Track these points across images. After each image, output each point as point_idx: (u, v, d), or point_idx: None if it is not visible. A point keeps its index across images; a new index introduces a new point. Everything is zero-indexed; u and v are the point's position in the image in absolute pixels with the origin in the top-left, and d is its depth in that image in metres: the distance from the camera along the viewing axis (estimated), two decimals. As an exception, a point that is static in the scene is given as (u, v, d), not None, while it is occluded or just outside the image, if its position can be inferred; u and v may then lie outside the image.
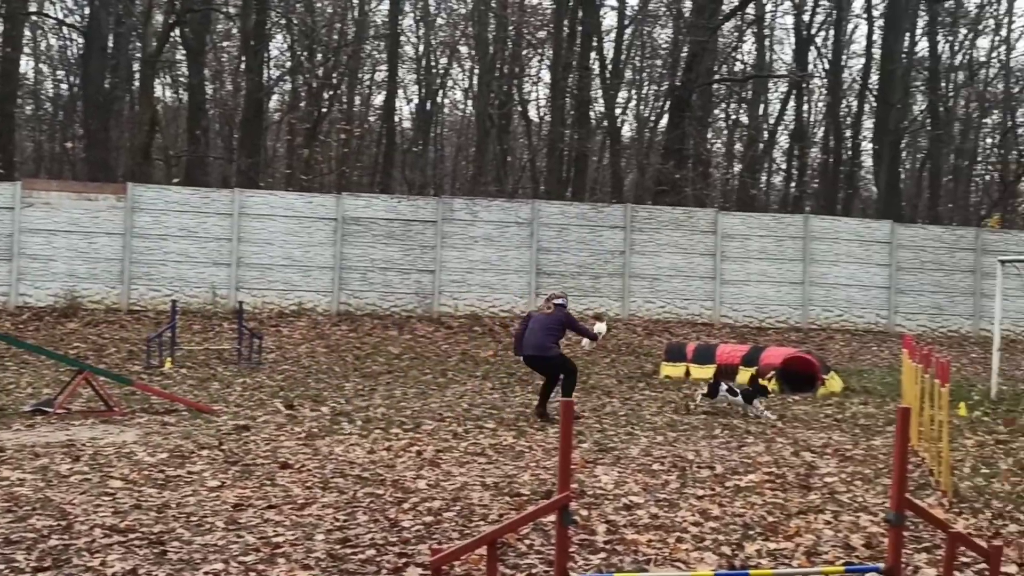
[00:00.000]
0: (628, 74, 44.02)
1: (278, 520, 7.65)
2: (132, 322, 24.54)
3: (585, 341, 16.00)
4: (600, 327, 16.49)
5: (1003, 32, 46.34)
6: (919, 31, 42.76)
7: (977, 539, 6.95)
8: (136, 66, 37.23)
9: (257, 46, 36.24)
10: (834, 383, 17.69)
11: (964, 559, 6.81)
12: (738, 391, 14.74)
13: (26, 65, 39.12)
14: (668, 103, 39.33)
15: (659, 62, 43.14)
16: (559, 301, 14.69)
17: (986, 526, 7.95)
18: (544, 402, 13.87)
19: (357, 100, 44.34)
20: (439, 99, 46.28)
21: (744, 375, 18.29)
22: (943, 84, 44.26)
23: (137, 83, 37.09)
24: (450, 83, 47.25)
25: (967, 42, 45.71)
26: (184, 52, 37.78)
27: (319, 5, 39.81)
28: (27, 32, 37.80)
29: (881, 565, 5.28)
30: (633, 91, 45.79)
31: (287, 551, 6.84)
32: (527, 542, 7.11)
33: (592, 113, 40.60)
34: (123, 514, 7.74)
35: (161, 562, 6.53)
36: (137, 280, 26.25)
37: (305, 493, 8.62)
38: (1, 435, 11.10)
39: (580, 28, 37.48)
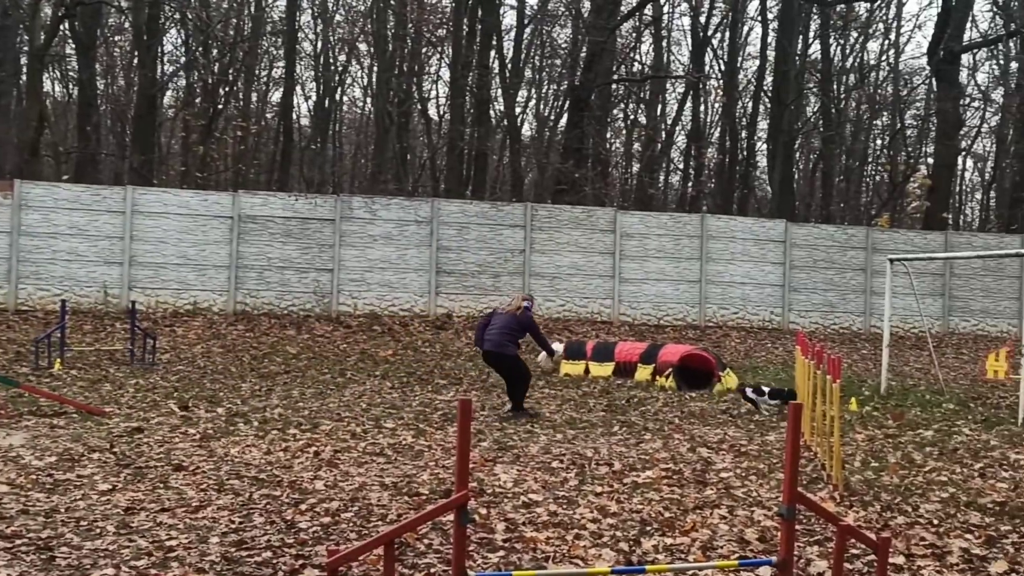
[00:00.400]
0: (528, 73, 44.20)
1: (171, 523, 7.54)
2: (20, 323, 23.92)
3: (543, 356, 16.22)
4: (558, 347, 16.28)
5: (892, 36, 47.65)
6: (812, 34, 43.69)
7: (867, 531, 7.14)
8: (24, 60, 36.23)
9: (150, 41, 35.56)
10: (730, 380, 17.96)
11: (854, 551, 6.98)
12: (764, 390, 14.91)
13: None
14: (567, 102, 39.60)
15: (558, 61, 43.42)
16: (527, 303, 14.92)
17: (875, 518, 8.16)
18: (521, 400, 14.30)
19: (254, 97, 43.87)
20: (338, 96, 46.00)
21: (643, 372, 18.51)
22: (835, 86, 45.31)
23: (25, 78, 36.10)
24: (349, 80, 47.03)
25: (858, 45, 46.95)
26: (74, 46, 36.94)
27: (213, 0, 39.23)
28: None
29: (774, 558, 5.38)
30: (533, 90, 46.01)
31: (181, 554, 6.74)
32: (426, 542, 7.11)
33: (492, 112, 40.65)
34: (9, 519, 7.56)
35: (49, 568, 6.39)
36: (25, 279, 25.60)
37: (199, 495, 8.51)
38: None
39: (479, 26, 37.50)
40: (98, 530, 7.33)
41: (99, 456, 10.13)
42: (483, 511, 8.03)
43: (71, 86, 40.97)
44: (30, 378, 16.19)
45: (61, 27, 34.96)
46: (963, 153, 46.95)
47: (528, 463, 10.30)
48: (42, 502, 8.14)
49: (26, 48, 36.01)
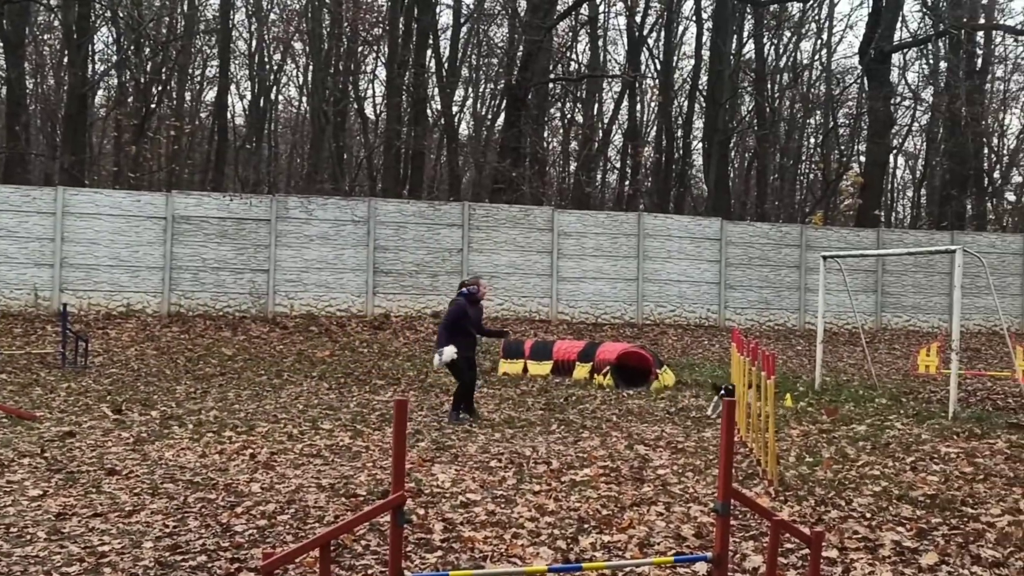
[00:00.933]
0: (465, 72, 44.23)
1: (104, 528, 7.44)
2: (-52, 326, 23.48)
3: (436, 358, 13.98)
4: (450, 351, 14.00)
5: (824, 36, 48.25)
6: (746, 34, 44.16)
7: (801, 526, 7.23)
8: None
9: (80, 39, 35.02)
10: (667, 377, 18.09)
11: (789, 545, 7.06)
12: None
13: None
14: (504, 101, 39.65)
15: (495, 60, 43.51)
16: (463, 290, 14.29)
17: (810, 513, 8.26)
18: (465, 402, 13.76)
19: (187, 96, 43.45)
20: (273, 95, 45.68)
21: (581, 371, 18.58)
22: (769, 85, 45.80)
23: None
24: (284, 79, 46.73)
25: (791, 45, 47.50)
26: (1, 45, 36.25)
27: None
28: None
29: (709, 554, 5.43)
30: (470, 89, 46.03)
31: (114, 560, 6.66)
32: (363, 543, 7.08)
33: (429, 111, 40.61)
34: (-63, 527, 7.43)
35: (-22, 576, 6.29)
36: (-47, 282, 25.16)
37: (133, 500, 8.40)
38: None
39: (416, 25, 37.42)
40: (28, 536, 7.21)
41: (29, 461, 9.96)
42: (421, 511, 8.02)
43: (-1, 85, 40.21)
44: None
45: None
46: (894, 151, 47.67)
47: (466, 463, 10.29)
48: (-30, 509, 8.02)
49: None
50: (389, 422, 13.05)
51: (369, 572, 6.44)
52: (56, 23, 37.52)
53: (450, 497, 8.65)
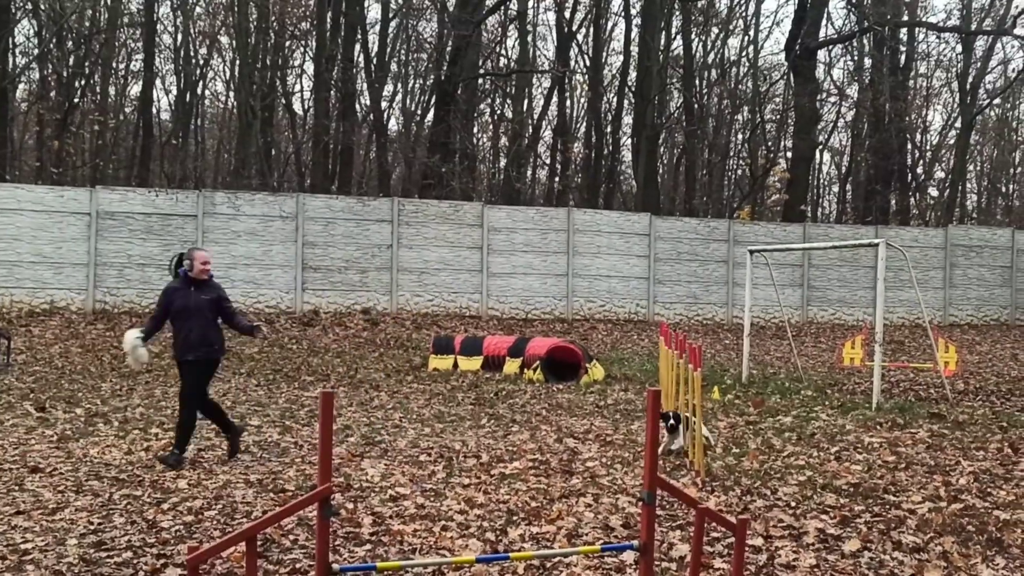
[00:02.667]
0: (393, 67, 44.09)
1: (27, 526, 7.35)
2: None
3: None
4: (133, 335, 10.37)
5: (751, 32, 48.80)
6: (674, 30, 44.49)
7: (727, 515, 7.35)
8: None
9: (0, 31, 34.39)
10: (596, 371, 18.22)
11: (715, 534, 7.18)
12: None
13: None
14: (433, 97, 39.62)
15: (424, 56, 43.43)
16: (179, 269, 10.28)
17: (736, 502, 8.39)
18: (219, 421, 10.44)
19: (112, 90, 42.72)
20: (199, 90, 45.16)
21: (511, 366, 18.64)
22: (697, 81, 46.23)
23: None
24: (211, 74, 46.25)
25: (719, 41, 47.95)
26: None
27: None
28: None
29: (636, 543, 5.50)
30: (399, 84, 45.90)
31: (37, 558, 6.59)
32: (291, 537, 7.08)
33: (358, 106, 40.46)
34: None
35: (-103, 578, 6.19)
36: None
37: (57, 497, 8.30)
38: None
39: (344, 20, 37.24)
40: (-52, 537, 7.11)
41: (-51, 461, 9.82)
42: (350, 506, 8.02)
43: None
44: None
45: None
46: (820, 147, 48.32)
47: (396, 457, 10.31)
48: None
49: None
50: (318, 418, 13.00)
51: (297, 566, 6.44)
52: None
53: (379, 491, 8.66)
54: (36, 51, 38.66)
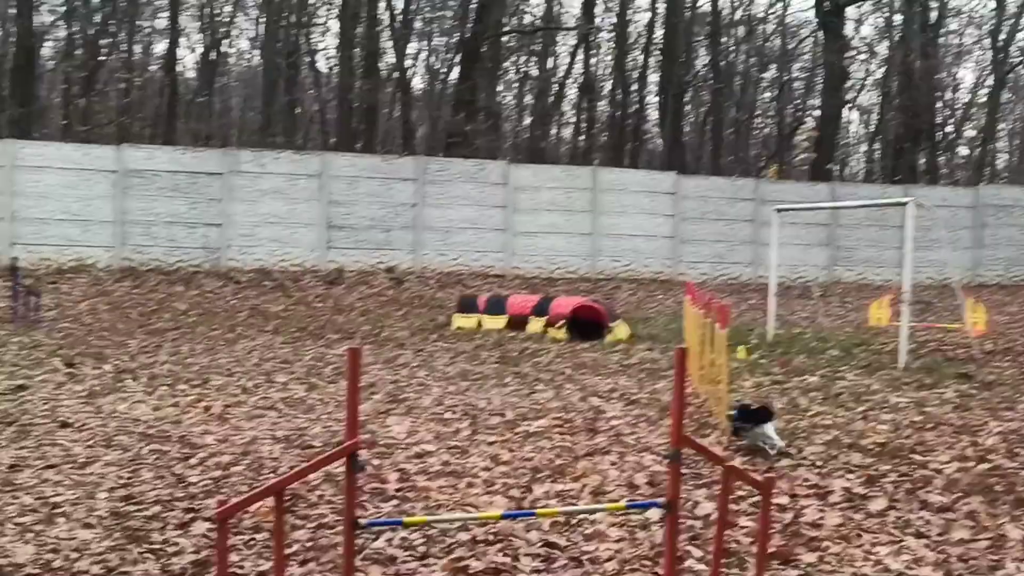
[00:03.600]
0: (418, 25, 43.86)
1: (58, 480, 7.41)
2: None
3: None
4: None
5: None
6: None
7: (752, 474, 7.33)
8: None
9: (26, -10, 34.45)
10: (621, 331, 18.18)
11: (740, 493, 7.16)
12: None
13: None
14: (458, 55, 39.42)
15: (449, 13, 43.16)
16: None
17: (761, 462, 8.37)
18: None
19: (137, 48, 42.71)
20: (224, 48, 45.10)
21: (536, 325, 18.64)
22: (724, 39, 45.82)
23: None
24: (236, 32, 46.10)
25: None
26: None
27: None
28: None
29: (661, 500, 5.50)
30: (424, 42, 45.68)
31: (67, 510, 6.64)
32: (318, 493, 7.10)
33: (382, 64, 40.30)
34: None
35: (-71, 529, 6.25)
36: (-102, 237, 24.83)
37: (87, 452, 8.36)
38: None
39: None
40: (-20, 490, 7.18)
41: (-21, 416, 9.90)
42: (376, 462, 8.05)
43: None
44: (-96, 339, 15.69)
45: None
46: (848, 105, 47.95)
47: (421, 415, 10.32)
48: (-81, 463, 7.95)
49: None
50: (344, 375, 13.03)
51: (323, 521, 6.47)
52: (1, -27, 36.80)
53: (405, 448, 8.69)
54: (63, 9, 38.69)
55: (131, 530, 6.25)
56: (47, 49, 40.17)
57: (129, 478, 7.54)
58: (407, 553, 5.87)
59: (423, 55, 46.27)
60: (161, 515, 6.59)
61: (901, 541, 6.29)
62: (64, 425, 9.47)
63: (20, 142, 26.80)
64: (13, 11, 35.84)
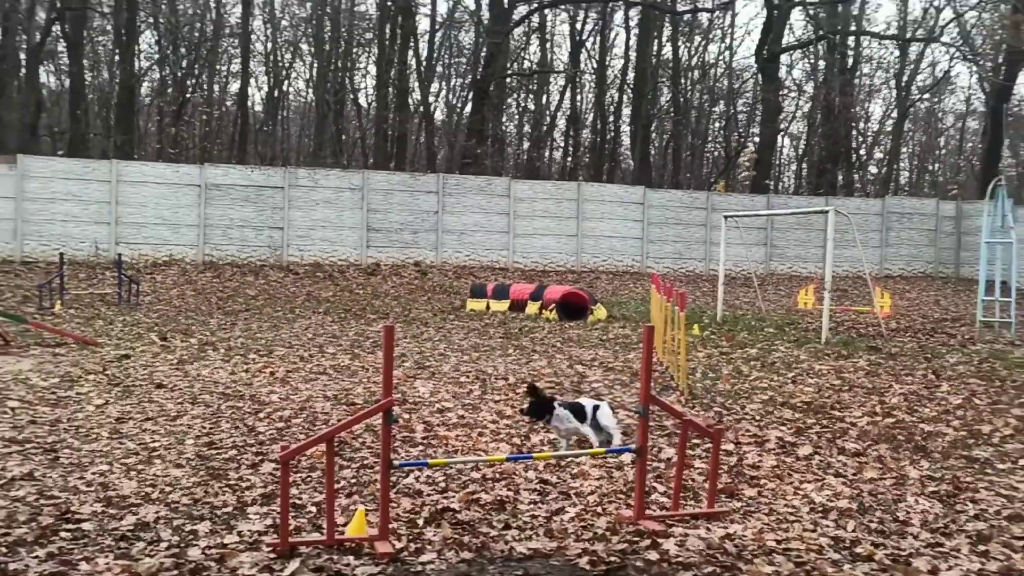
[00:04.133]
0: (439, 69, 43.73)
1: (154, 430, 7.41)
2: (26, 271, 23.14)
3: None
4: None
5: (727, 40, 48.25)
6: (665, 38, 43.91)
7: (705, 425, 7.32)
8: (23, 56, 34.73)
9: (129, 40, 34.35)
10: (600, 312, 18.18)
11: (695, 441, 7.17)
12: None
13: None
14: (471, 93, 39.30)
15: (464, 60, 43.04)
16: None
17: (712, 416, 8.37)
18: None
19: (216, 87, 42.64)
20: (285, 87, 45.00)
21: (532, 307, 18.62)
22: (683, 80, 45.66)
23: (24, 71, 34.66)
24: (294, 75, 45.99)
25: (701, 48, 47.28)
26: (65, 44, 35.51)
27: (181, 7, 37.99)
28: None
29: (633, 446, 5.50)
30: (443, 83, 45.55)
31: (162, 454, 6.65)
32: (360, 440, 7.11)
33: (410, 100, 40.19)
34: (20, 428, 7.36)
35: (54, 466, 6.25)
36: (29, 237, 24.76)
37: (177, 408, 8.36)
38: (-94, 370, 10.35)
39: (400, 31, 36.97)
40: (94, 436, 7.17)
41: (94, 377, 9.88)
42: (405, 416, 8.05)
43: (63, 78, 39.33)
44: (35, 316, 15.69)
45: (53, 28, 33.54)
46: (782, 133, 47.75)
47: (441, 379, 10.32)
48: (47, 414, 7.93)
49: (24, 45, 34.57)
50: (380, 347, 13.03)
51: (365, 462, 6.47)
52: (109, 27, 36.69)
53: (429, 405, 8.68)
54: (157, 56, 38.63)
55: (213, 469, 6.25)
56: (145, 88, 40.13)
57: (211, 428, 7.54)
58: (431, 488, 5.87)
59: (443, 93, 46.15)
60: (236, 457, 6.59)
61: (823, 480, 6.29)
62: (159, 386, 9.48)
63: (124, 162, 26.73)
64: (117, 58, 35.76)
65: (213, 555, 4.58)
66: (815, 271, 30.54)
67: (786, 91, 45.70)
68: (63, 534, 4.85)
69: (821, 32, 41.62)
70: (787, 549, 4.86)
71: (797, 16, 44.53)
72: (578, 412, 6.82)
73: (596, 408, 6.92)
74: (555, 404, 6.78)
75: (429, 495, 5.72)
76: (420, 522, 5.17)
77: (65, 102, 37.36)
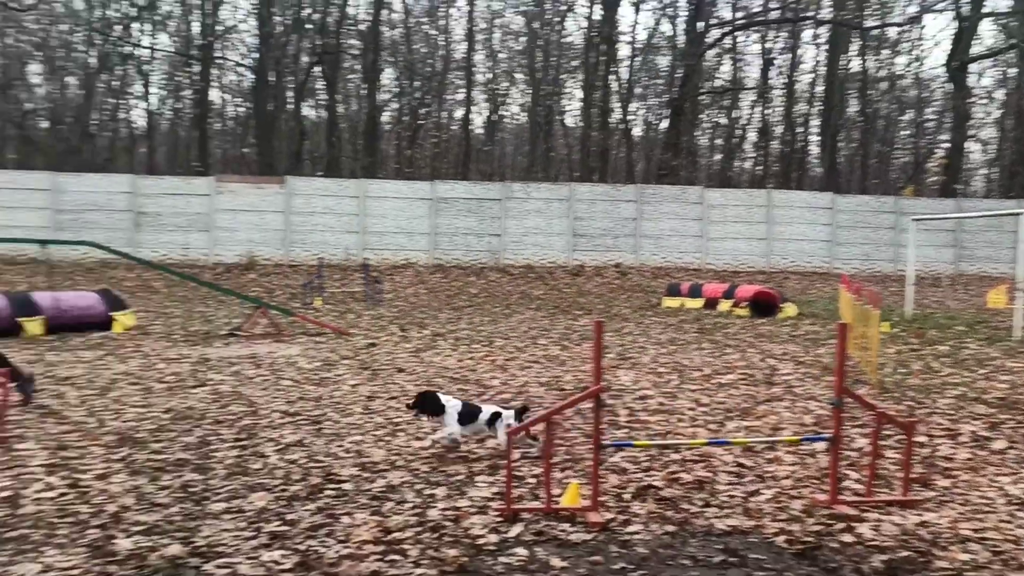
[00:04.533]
0: (638, 90, 43.35)
1: (397, 407, 7.74)
2: (291, 273, 24.87)
3: None
4: None
5: (915, 52, 44.95)
6: (853, 52, 41.60)
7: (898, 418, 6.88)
8: (289, 94, 37.37)
9: (373, 77, 36.23)
10: (790, 310, 17.49)
11: (887, 432, 6.75)
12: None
13: (214, 94, 39.48)
14: (667, 110, 38.74)
15: (660, 81, 42.45)
16: None
17: (903, 409, 7.86)
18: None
19: (444, 114, 44.17)
20: (501, 112, 45.99)
21: (725, 305, 18.15)
22: (870, 91, 43.09)
23: (290, 105, 37.27)
24: (509, 101, 46.93)
25: (888, 60, 44.42)
26: (323, 82, 37.89)
27: (416, 47, 39.64)
28: (214, 71, 38.02)
29: (828, 435, 5.25)
30: (642, 102, 45.12)
31: (404, 428, 6.94)
32: (570, 423, 7.16)
33: (611, 119, 40.08)
34: (292, 403, 7.89)
35: (319, 435, 6.66)
36: (294, 244, 26.60)
37: (416, 389, 8.68)
38: (207, 350, 11.35)
39: (603, 58, 36.95)
40: (350, 411, 7.57)
41: (348, 362, 10.46)
42: (610, 401, 8.04)
43: (321, 110, 41.96)
44: (300, 310, 16.84)
45: (313, 69, 35.84)
46: (971, 138, 44.13)
47: (641, 369, 10.24)
48: (312, 392, 8.46)
49: (291, 85, 37.14)
50: (586, 340, 13.10)
51: (576, 440, 6.52)
52: (357, 66, 38.82)
53: (631, 393, 8.63)
54: (396, 89, 40.49)
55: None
56: (385, 116, 42.16)
57: (444, 407, 7.80)
58: (635, 466, 5.83)
59: (641, 111, 45.73)
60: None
61: (1019, 473, 5.76)
62: (400, 370, 9.90)
63: (368, 181, 28.22)
64: (364, 92, 37.77)
65: (449, 516, 4.75)
66: (1006, 271, 28.04)
67: (976, 98, 42.18)
68: (328, 492, 5.17)
69: (1013, 41, 38.08)
70: (983, 538, 4.49)
71: (987, 26, 40.98)
72: (472, 415, 6.07)
73: (495, 415, 6.05)
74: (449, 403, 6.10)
75: (634, 473, 5.68)
76: (627, 496, 5.15)
77: (323, 131, 39.85)
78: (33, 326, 12.46)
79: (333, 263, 25.93)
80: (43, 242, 17.11)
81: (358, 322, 15.34)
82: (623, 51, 43.79)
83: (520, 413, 6.04)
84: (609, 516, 4.76)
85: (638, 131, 45.89)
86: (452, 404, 6.10)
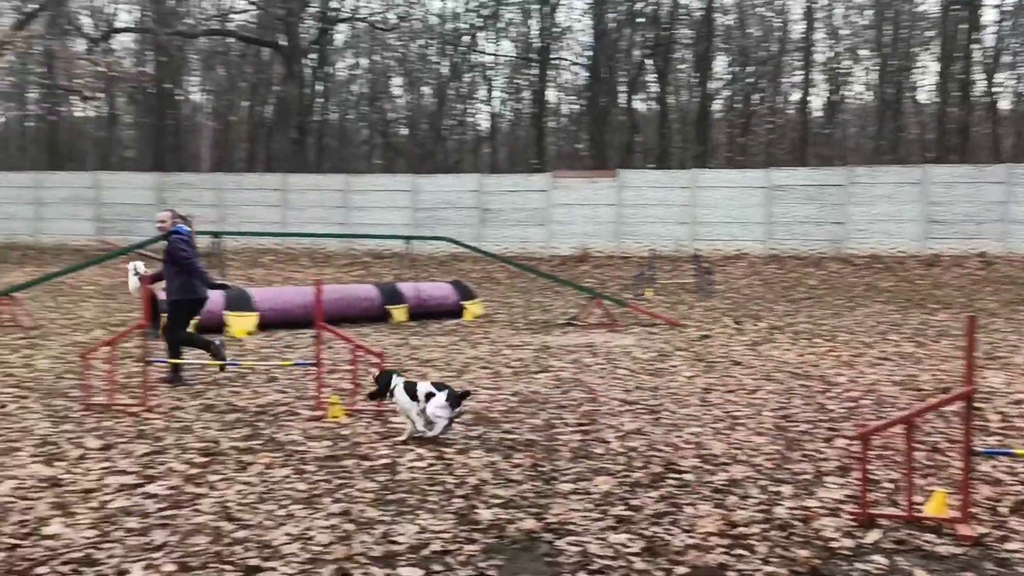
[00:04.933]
0: (1007, 58, 38.44)
1: (735, 401, 7.62)
2: (623, 264, 25.40)
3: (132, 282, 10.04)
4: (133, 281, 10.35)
5: None
6: None
7: None
8: (621, 88, 38.15)
9: (705, 65, 35.87)
10: None
11: None
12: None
13: (550, 94, 41.32)
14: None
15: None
16: (175, 229, 8.40)
17: None
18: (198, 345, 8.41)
19: (779, 98, 42.46)
20: (844, 92, 43.17)
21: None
22: None
23: (622, 99, 38.06)
24: (852, 79, 43.92)
25: None
26: (655, 75, 38.23)
27: (750, 32, 38.59)
28: (550, 71, 39.80)
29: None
30: (1010, 71, 39.93)
31: (744, 422, 6.81)
32: (930, 426, 6.57)
33: (973, 92, 35.97)
34: (629, 391, 8.05)
35: (657, 424, 6.74)
36: (625, 236, 27.17)
37: (753, 383, 8.50)
38: (546, 338, 11.93)
39: (963, 25, 33.29)
40: (686, 402, 7.57)
41: (682, 354, 10.46)
42: (978, 405, 7.26)
43: (652, 103, 42.30)
44: (632, 300, 17.14)
45: (646, 63, 36.33)
46: None
47: (1014, 370, 9.11)
48: (648, 382, 8.57)
49: (623, 80, 37.92)
50: (945, 337, 11.93)
51: (938, 446, 5.97)
52: (688, 55, 38.67)
53: (1003, 396, 7.74)
54: (729, 76, 39.69)
55: (789, 440, 6.24)
56: (717, 104, 41.46)
57: (784, 403, 7.54)
58: (1012, 478, 5.22)
59: (1011, 82, 40.47)
60: (809, 431, 6.50)
61: None
62: (736, 363, 9.72)
63: (700, 171, 28.00)
64: (695, 81, 37.50)
65: (798, 515, 4.58)
66: None
67: None
68: (670, 481, 5.23)
69: None
70: None
71: None
72: (411, 392, 6.09)
73: (430, 395, 6.02)
74: (395, 380, 6.18)
75: (1011, 484, 5.09)
76: (1003, 510, 4.63)
77: (654, 123, 40.16)
78: (399, 313, 13.94)
79: (664, 254, 26.06)
80: (407, 238, 18.99)
81: (690, 313, 15.27)
82: (988, 15, 39.19)
83: (459, 398, 6.04)
84: (983, 530, 4.31)
85: (1006, 104, 40.80)
86: (399, 380, 6.17)
